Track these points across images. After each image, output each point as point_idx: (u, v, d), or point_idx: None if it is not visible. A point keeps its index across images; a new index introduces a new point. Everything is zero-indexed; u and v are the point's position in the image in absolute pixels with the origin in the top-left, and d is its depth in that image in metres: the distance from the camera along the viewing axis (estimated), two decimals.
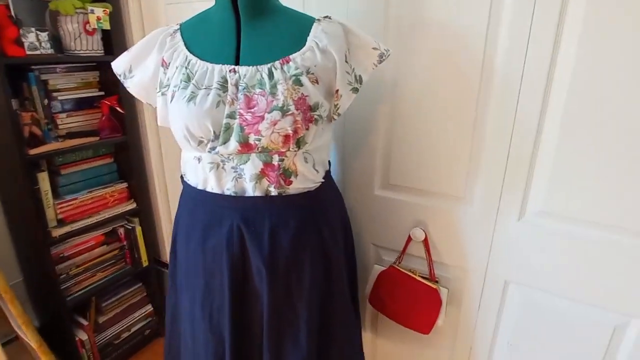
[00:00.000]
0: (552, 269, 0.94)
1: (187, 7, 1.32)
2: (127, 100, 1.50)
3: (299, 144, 0.74)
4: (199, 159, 0.78)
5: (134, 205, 1.60)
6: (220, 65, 0.74)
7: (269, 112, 0.70)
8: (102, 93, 1.46)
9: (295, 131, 0.71)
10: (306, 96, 0.71)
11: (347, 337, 0.94)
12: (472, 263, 1.05)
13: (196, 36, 0.79)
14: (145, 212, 1.65)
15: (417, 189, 1.08)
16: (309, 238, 0.82)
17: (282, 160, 0.75)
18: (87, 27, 1.29)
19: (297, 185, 0.79)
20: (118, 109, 1.45)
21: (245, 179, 0.77)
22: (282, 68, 0.72)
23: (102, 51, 1.38)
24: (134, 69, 0.84)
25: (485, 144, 0.95)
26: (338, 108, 0.79)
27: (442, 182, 1.03)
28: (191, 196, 0.85)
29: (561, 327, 0.97)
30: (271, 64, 0.72)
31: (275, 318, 0.81)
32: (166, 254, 1.79)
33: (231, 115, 0.71)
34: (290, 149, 0.75)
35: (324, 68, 0.74)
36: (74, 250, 1.44)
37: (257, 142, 0.72)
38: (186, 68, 0.75)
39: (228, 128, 0.72)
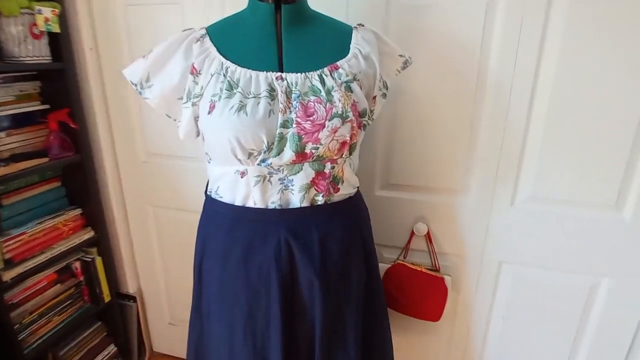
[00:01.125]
0: (538, 245, 1.09)
1: (152, 10, 1.21)
2: (80, 114, 1.31)
3: (351, 150, 0.75)
4: (243, 173, 0.73)
5: (91, 234, 1.39)
6: (265, 72, 0.71)
7: (329, 120, 0.69)
8: (46, 106, 1.25)
9: (351, 138, 0.72)
10: (356, 102, 0.72)
11: (384, 336, 0.96)
12: (469, 249, 1.16)
13: (229, 41, 0.74)
14: (104, 240, 1.45)
15: (417, 186, 1.15)
16: (354, 242, 0.83)
17: (333, 167, 0.75)
18: (34, 29, 1.09)
19: (342, 192, 0.80)
20: (70, 124, 1.25)
21: (292, 190, 0.75)
22: (331, 75, 0.72)
23: (50, 57, 1.18)
24: (152, 78, 0.75)
25: (480, 141, 1.06)
26: (373, 114, 0.81)
27: (442, 177, 1.13)
28: (226, 214, 0.79)
29: (546, 295, 1.13)
30: (320, 70, 0.72)
31: (328, 329, 0.80)
32: (128, 285, 1.59)
33: (285, 125, 0.69)
34: (343, 156, 0.75)
35: (366, 75, 0.76)
36: (24, 294, 1.20)
37: (313, 151, 0.71)
38: (224, 75, 0.70)
39: (282, 138, 0.69)
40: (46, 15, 1.09)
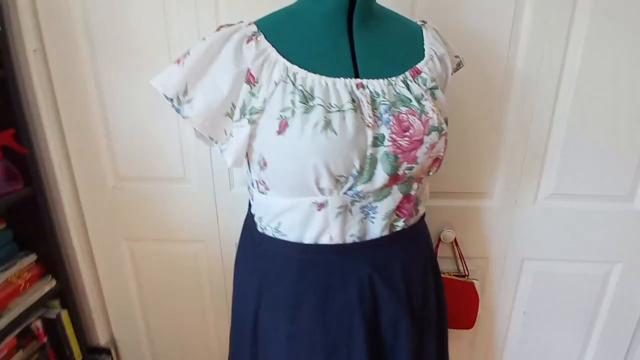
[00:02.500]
0: (556, 239, 1.12)
1: (124, 2, 0.98)
2: (27, 134, 1.02)
3: (439, 166, 0.66)
4: (322, 205, 0.60)
5: (53, 283, 1.11)
6: (342, 78, 0.58)
7: (427, 135, 0.59)
8: None
9: (443, 152, 0.63)
10: (441, 111, 0.64)
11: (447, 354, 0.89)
12: (494, 250, 1.16)
13: (289, 40, 0.59)
14: (69, 289, 1.17)
15: (443, 192, 1.11)
16: (428, 266, 0.75)
17: (417, 187, 0.65)
18: None
19: (420, 212, 0.71)
20: (16, 148, 0.97)
21: (373, 219, 0.64)
22: (415, 80, 0.62)
23: None
24: (190, 89, 0.57)
25: (505, 142, 1.05)
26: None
27: (467, 181, 1.09)
28: (293, 256, 0.64)
29: (563, 287, 1.17)
30: (402, 75, 0.61)
31: None
32: (99, 336, 1.31)
33: (374, 143, 0.57)
34: (430, 173, 0.66)
35: (441, 78, 0.68)
36: None
37: (407, 172, 0.60)
38: (294, 84, 0.56)
39: (372, 159, 0.58)
40: None
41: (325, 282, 0.64)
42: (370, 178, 0.58)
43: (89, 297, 1.26)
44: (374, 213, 0.63)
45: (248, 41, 0.57)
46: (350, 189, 0.59)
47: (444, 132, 0.61)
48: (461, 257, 1.14)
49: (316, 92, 0.56)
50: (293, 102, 0.55)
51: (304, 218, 0.62)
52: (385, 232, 0.65)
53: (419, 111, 0.59)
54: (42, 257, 1.10)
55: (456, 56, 0.77)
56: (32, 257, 1.08)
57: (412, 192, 0.64)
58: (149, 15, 0.98)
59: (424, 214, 0.76)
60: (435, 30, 0.72)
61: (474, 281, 1.13)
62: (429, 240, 0.79)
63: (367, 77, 0.60)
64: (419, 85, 0.62)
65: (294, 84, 0.56)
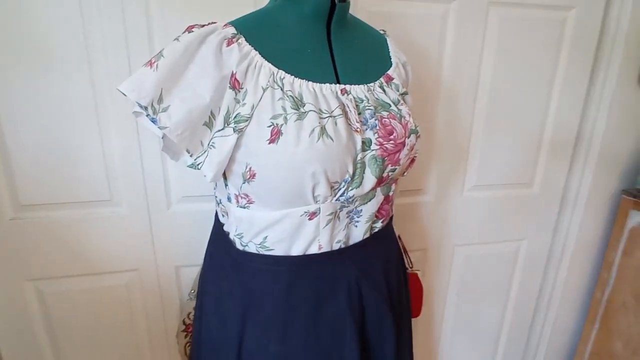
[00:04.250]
0: (479, 224, 1.28)
1: None
2: None
3: (412, 166, 0.69)
4: (314, 214, 0.58)
5: None
6: (328, 84, 0.57)
7: (407, 137, 0.62)
8: None
9: (416, 153, 0.67)
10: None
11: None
12: (431, 241, 1.26)
13: (269, 43, 0.56)
14: None
15: None
16: (399, 262, 0.78)
17: (394, 188, 0.68)
18: None
19: (392, 212, 0.73)
20: None
21: (357, 222, 0.64)
22: (389, 86, 0.65)
23: None
24: (166, 96, 0.50)
25: (436, 142, 1.16)
26: None
27: (407, 180, 1.17)
28: (281, 270, 0.61)
29: (485, 265, 1.34)
30: (379, 82, 0.63)
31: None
32: None
33: (362, 148, 0.58)
34: (405, 174, 0.69)
35: (405, 85, 0.72)
36: None
37: (390, 174, 0.62)
38: (282, 90, 0.54)
39: (361, 163, 0.58)
40: None
41: (316, 293, 0.62)
42: (361, 183, 0.59)
43: None
44: (358, 217, 0.64)
45: (228, 44, 0.53)
46: (342, 194, 0.58)
47: (419, 134, 0.65)
48: (405, 251, 1.22)
49: (306, 98, 0.54)
50: (284, 109, 0.53)
51: (293, 229, 0.59)
52: (367, 235, 0.66)
53: (398, 115, 0.62)
54: None
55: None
56: None
57: (391, 193, 0.67)
58: (61, 7, 0.83)
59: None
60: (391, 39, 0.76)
61: (417, 272, 1.22)
62: (396, 236, 0.82)
63: (348, 83, 0.60)
64: (393, 90, 0.65)
65: (282, 90, 0.54)
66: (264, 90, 0.53)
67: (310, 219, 0.58)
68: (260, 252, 0.61)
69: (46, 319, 1.04)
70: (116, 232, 1.01)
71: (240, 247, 0.63)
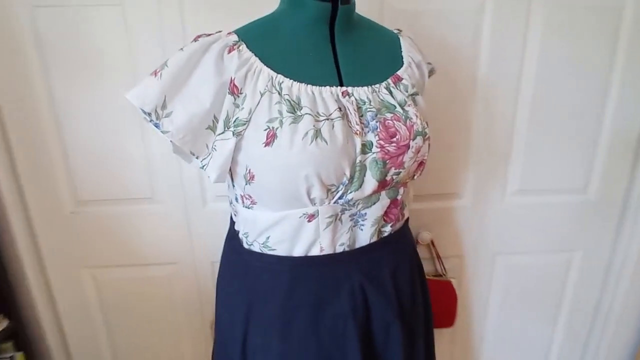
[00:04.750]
0: (525, 232, 1.19)
1: (80, 13, 0.92)
2: None
3: (423, 170, 0.67)
4: (313, 216, 0.59)
5: (5, 324, 0.99)
6: (328, 87, 0.58)
7: (412, 140, 0.60)
8: None
9: (426, 156, 0.64)
10: (422, 116, 0.65)
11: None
12: (467, 247, 1.20)
13: (271, 49, 0.58)
14: (23, 328, 1.05)
15: (418, 195, 1.13)
16: (414, 270, 0.75)
17: (403, 192, 0.66)
18: None
19: (405, 217, 0.71)
20: None
21: (362, 226, 0.63)
22: (397, 87, 0.63)
23: None
24: (169, 103, 0.54)
25: (472, 144, 1.10)
26: None
27: (440, 183, 1.13)
28: (283, 270, 0.62)
29: (533, 277, 1.24)
30: (385, 83, 0.62)
31: None
32: None
33: (363, 150, 0.57)
34: (415, 177, 0.67)
35: (419, 84, 0.69)
36: None
37: (394, 177, 0.61)
38: (280, 94, 0.55)
39: (361, 166, 0.58)
40: None
41: (317, 294, 0.63)
42: (360, 185, 0.58)
43: (47, 335, 1.14)
44: (363, 220, 0.63)
45: (229, 51, 0.55)
46: (341, 197, 0.58)
47: (427, 136, 0.63)
48: (438, 257, 1.17)
49: (303, 102, 0.55)
50: (280, 112, 0.54)
51: (293, 230, 0.60)
52: (374, 239, 0.65)
53: (403, 117, 0.60)
54: None
55: (428, 63, 0.80)
56: None
57: (399, 197, 0.65)
58: (108, 27, 0.93)
59: (408, 217, 0.77)
60: (410, 38, 0.74)
61: (452, 279, 1.17)
62: (414, 242, 0.80)
63: (351, 85, 0.60)
64: (401, 91, 0.63)
65: (280, 94, 0.55)
66: (262, 94, 0.55)
67: (309, 221, 0.59)
68: (264, 252, 0.63)
69: (100, 302, 1.17)
70: (157, 227, 1.10)
71: (246, 246, 0.66)
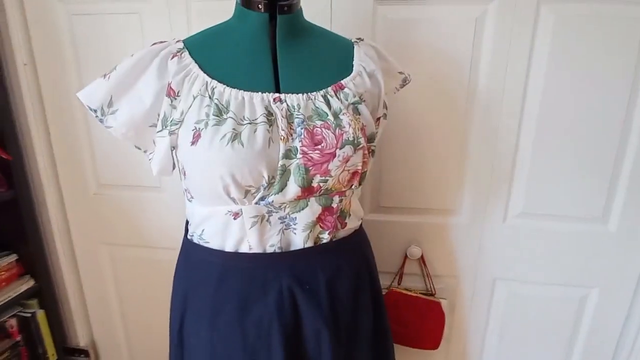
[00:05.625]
0: (530, 260, 1.08)
1: (104, 20, 1.05)
2: (13, 142, 1.10)
3: (361, 180, 0.67)
4: (237, 214, 0.62)
5: (31, 283, 1.17)
6: (260, 93, 0.60)
7: (340, 148, 0.60)
8: None
9: (362, 166, 0.64)
10: (365, 126, 0.65)
11: None
12: (463, 269, 1.13)
13: (213, 56, 0.62)
14: (47, 289, 1.22)
15: (408, 208, 1.10)
16: (362, 279, 0.74)
17: (341, 201, 0.66)
18: None
19: (349, 226, 0.71)
20: (1, 154, 1.04)
21: (295, 230, 0.64)
22: (336, 95, 0.63)
23: None
24: (116, 102, 0.61)
25: (471, 158, 1.03)
26: (377, 137, 0.74)
27: (433, 198, 1.08)
28: (214, 263, 0.66)
29: (539, 309, 1.12)
30: (324, 90, 0.63)
31: None
32: (78, 338, 1.36)
33: (287, 155, 0.59)
34: (352, 188, 0.66)
35: (371, 94, 0.69)
36: None
37: (321, 184, 0.61)
38: (211, 98, 0.59)
39: (284, 171, 0.59)
40: None
41: (244, 290, 0.65)
42: (281, 189, 0.60)
43: (70, 298, 1.31)
44: (294, 224, 0.64)
45: (172, 57, 0.61)
46: (263, 199, 0.60)
47: (360, 146, 0.62)
48: (428, 275, 1.12)
49: (231, 106, 0.58)
50: (207, 115, 0.58)
51: (222, 226, 0.63)
52: (309, 244, 0.66)
53: (334, 125, 0.60)
54: (23, 257, 1.16)
55: (400, 72, 0.78)
56: (12, 257, 1.14)
57: (334, 205, 0.65)
58: (126, 30, 1.05)
59: (361, 228, 0.76)
60: (374, 47, 0.73)
61: (441, 300, 1.11)
62: (368, 254, 0.78)
63: (288, 92, 0.62)
64: (340, 100, 0.63)
65: (210, 98, 0.59)
66: (194, 98, 0.59)
67: (234, 219, 0.62)
68: (200, 243, 0.67)
69: (114, 275, 1.31)
70: (163, 214, 1.21)
71: (189, 237, 0.71)
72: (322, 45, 0.68)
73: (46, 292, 1.21)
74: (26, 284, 1.16)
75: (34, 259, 1.18)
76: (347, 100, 0.64)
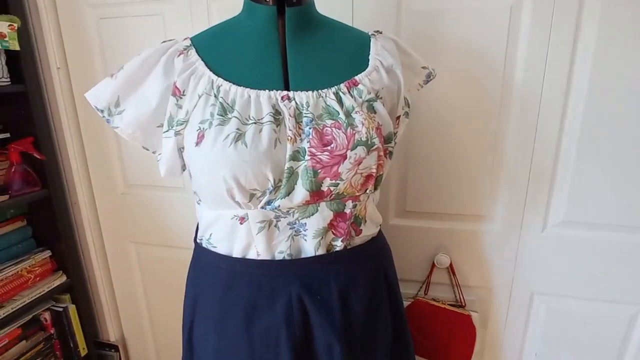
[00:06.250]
0: (573, 273, 0.98)
1: (129, 23, 1.07)
2: (46, 143, 1.14)
3: (377, 184, 0.62)
4: (243, 219, 0.59)
5: (63, 279, 1.21)
6: (267, 90, 0.57)
7: (351, 149, 0.56)
8: (6, 135, 1.09)
9: (377, 169, 0.59)
10: (381, 126, 0.59)
11: None
12: (497, 280, 1.04)
13: (220, 53, 0.60)
14: (79, 285, 1.27)
15: (436, 213, 1.03)
16: (379, 290, 0.69)
17: (354, 206, 0.61)
18: None
19: (365, 233, 0.66)
20: (35, 154, 1.09)
21: (305, 236, 0.61)
22: (350, 92, 0.59)
23: (8, 79, 1.03)
24: (122, 101, 0.60)
25: (506, 161, 0.95)
26: (396, 137, 0.68)
27: (464, 202, 1.00)
28: (222, 268, 0.64)
29: (582, 327, 1.01)
30: (335, 87, 0.59)
31: None
32: (109, 333, 1.40)
33: (295, 157, 0.55)
34: (367, 192, 0.61)
35: (390, 91, 0.63)
36: None
37: (332, 189, 0.57)
38: (216, 97, 0.56)
39: (292, 174, 0.56)
40: (2, 30, 0.94)
41: (251, 298, 0.62)
42: (288, 193, 0.56)
43: (100, 294, 1.35)
44: (304, 230, 0.60)
45: (179, 55, 0.59)
46: (269, 203, 0.57)
47: (374, 147, 0.57)
48: (457, 285, 1.04)
49: (236, 105, 0.56)
50: (212, 114, 0.55)
51: (229, 231, 0.61)
52: (321, 252, 0.62)
53: (345, 124, 0.56)
54: (57, 254, 1.21)
55: (424, 67, 0.72)
56: (47, 254, 1.19)
57: (347, 211, 0.60)
58: (150, 32, 1.06)
59: (379, 236, 0.71)
60: (394, 40, 0.68)
61: (472, 313, 1.03)
62: (386, 263, 0.73)
63: (298, 89, 0.58)
64: (353, 97, 0.58)
65: (216, 97, 0.56)
66: (200, 97, 0.57)
67: (241, 223, 0.59)
68: (208, 248, 0.65)
69: (142, 273, 1.34)
70: (187, 215, 1.21)
71: (198, 240, 0.69)
72: (336, 39, 0.64)
73: (78, 288, 1.26)
74: (59, 279, 1.20)
75: (67, 256, 1.22)
76: (361, 97, 0.59)
